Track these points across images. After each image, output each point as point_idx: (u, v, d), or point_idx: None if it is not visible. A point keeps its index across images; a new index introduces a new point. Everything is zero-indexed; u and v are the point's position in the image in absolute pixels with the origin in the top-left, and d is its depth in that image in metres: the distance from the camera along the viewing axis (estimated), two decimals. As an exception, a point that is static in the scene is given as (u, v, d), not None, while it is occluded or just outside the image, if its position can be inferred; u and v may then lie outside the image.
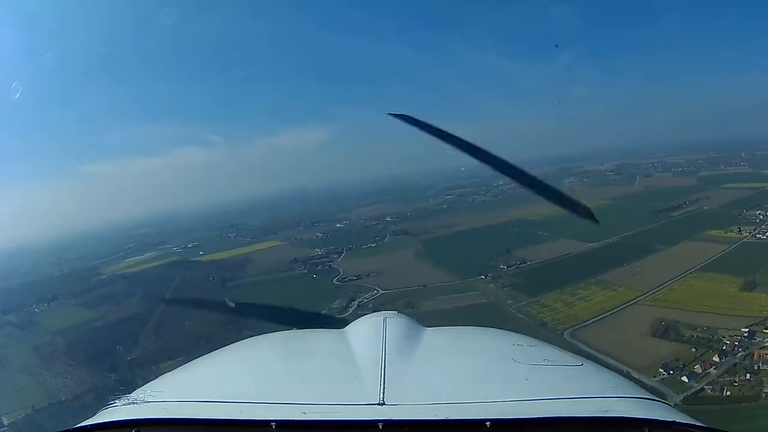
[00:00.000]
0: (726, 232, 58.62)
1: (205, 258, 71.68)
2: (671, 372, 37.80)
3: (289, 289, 58.16)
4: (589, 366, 2.46)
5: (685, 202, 70.89)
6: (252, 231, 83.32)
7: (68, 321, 52.48)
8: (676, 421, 1.90)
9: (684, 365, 38.50)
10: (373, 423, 1.73)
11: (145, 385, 2.33)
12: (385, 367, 2.12)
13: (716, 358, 38.17)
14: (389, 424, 1.73)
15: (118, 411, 2.05)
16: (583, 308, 48.37)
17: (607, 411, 1.85)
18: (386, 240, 74.50)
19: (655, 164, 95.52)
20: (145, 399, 2.08)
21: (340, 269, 63.38)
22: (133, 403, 2.07)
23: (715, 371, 37.21)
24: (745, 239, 56.61)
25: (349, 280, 59.65)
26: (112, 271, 68.72)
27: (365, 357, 2.32)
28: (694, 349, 39.80)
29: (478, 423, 1.71)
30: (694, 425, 1.92)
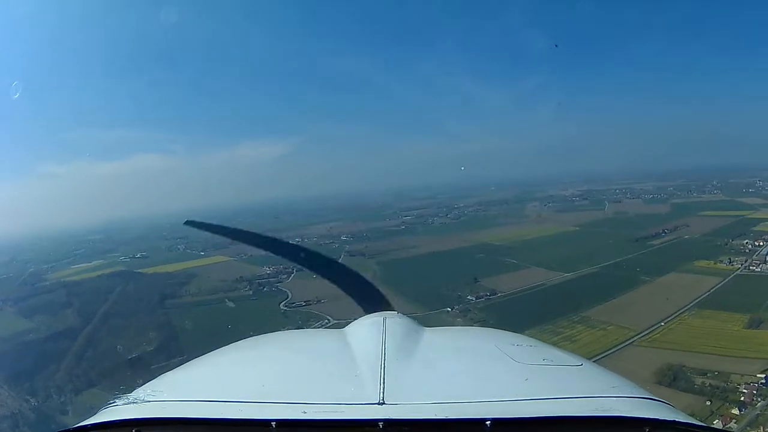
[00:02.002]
0: (716, 263, 53.77)
1: (150, 270, 68.31)
2: (688, 433, 31.22)
3: (229, 312, 53.84)
4: (589, 366, 2.39)
5: (663, 230, 66.30)
6: (202, 243, 79.60)
7: (2, 330, 49.96)
8: (677, 420, 1.83)
9: (701, 422, 31.66)
10: (373, 422, 1.69)
11: (145, 385, 2.24)
12: (385, 366, 2.08)
13: (735, 411, 33.51)
14: (389, 423, 1.69)
15: (118, 411, 1.99)
16: (570, 350, 40.48)
17: (607, 410, 1.79)
18: (340, 261, 66.56)
19: (622, 190, 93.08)
20: (145, 399, 2.04)
21: (289, 292, 57.74)
22: (133, 402, 2.03)
23: (736, 425, 32.44)
24: (739, 271, 51.75)
25: (298, 305, 54.02)
26: (57, 277, 66.23)
27: (365, 356, 2.26)
28: (708, 402, 34.54)
29: (478, 422, 1.67)
30: (695, 425, 1.86)
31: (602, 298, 48.97)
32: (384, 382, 1.93)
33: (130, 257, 75.66)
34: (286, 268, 63.90)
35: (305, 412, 1.75)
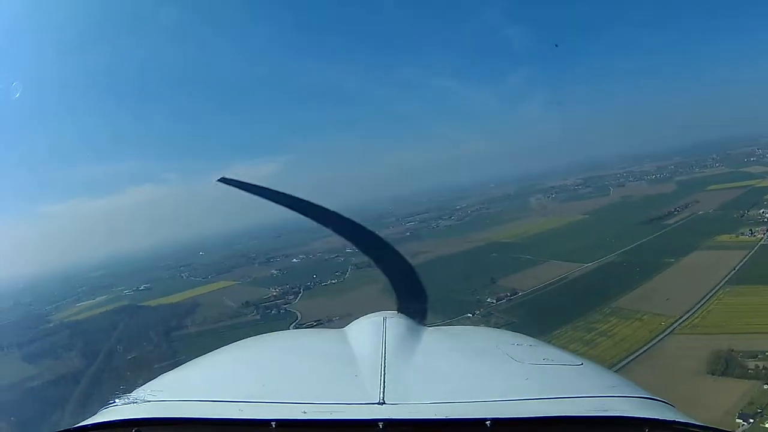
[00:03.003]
0: (737, 236, 52.38)
1: (154, 302, 66.36)
2: (751, 420, 30.13)
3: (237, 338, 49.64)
4: (589, 365, 2.36)
5: (675, 209, 64.90)
6: (205, 269, 78.98)
7: (6, 377, 47.80)
8: (677, 420, 1.83)
9: (762, 408, 31.01)
10: (373, 422, 1.70)
11: (145, 385, 2.24)
12: (385, 366, 2.08)
13: (794, 391, 31.49)
14: (389, 423, 1.70)
15: (118, 410, 1.99)
16: (608, 347, 38.89)
17: (607, 410, 1.79)
18: (348, 275, 65.52)
19: (623, 174, 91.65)
20: (145, 398, 2.04)
21: (298, 313, 55.62)
22: (133, 402, 2.03)
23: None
24: (762, 241, 50.26)
25: (309, 326, 50.40)
26: (60, 318, 64.65)
27: (365, 356, 2.25)
28: (766, 386, 32.89)
29: (478, 422, 1.67)
30: (695, 424, 1.85)
31: (629, 286, 47.12)
32: (384, 382, 1.90)
33: (133, 290, 73.73)
34: (293, 288, 62.45)
35: (305, 412, 1.73)
